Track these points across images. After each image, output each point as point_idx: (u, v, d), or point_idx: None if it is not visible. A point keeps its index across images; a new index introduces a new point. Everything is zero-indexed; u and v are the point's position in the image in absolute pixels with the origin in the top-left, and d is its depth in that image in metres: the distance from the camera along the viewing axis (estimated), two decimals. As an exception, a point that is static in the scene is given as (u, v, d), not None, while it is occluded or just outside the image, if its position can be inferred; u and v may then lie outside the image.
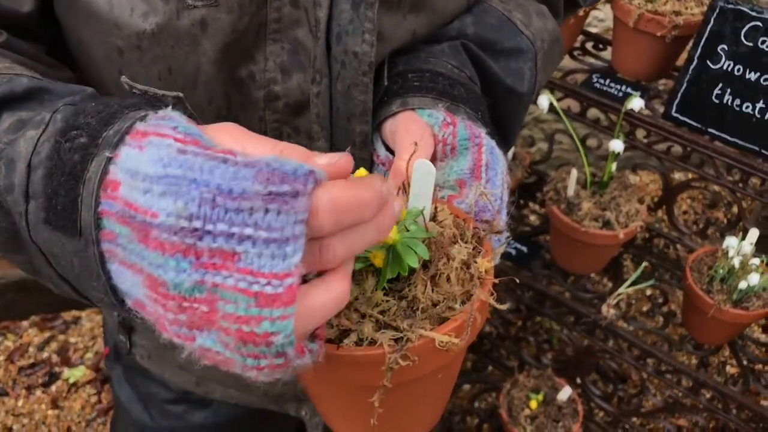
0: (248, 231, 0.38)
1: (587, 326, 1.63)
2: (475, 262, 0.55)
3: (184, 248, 0.38)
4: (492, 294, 0.55)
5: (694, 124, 1.52)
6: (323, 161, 0.43)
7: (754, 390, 1.61)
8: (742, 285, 1.39)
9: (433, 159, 0.67)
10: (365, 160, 0.72)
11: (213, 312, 0.39)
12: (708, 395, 1.55)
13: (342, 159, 0.44)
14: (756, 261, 1.41)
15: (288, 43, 0.67)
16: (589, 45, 1.74)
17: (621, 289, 1.66)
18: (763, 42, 1.41)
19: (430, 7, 0.73)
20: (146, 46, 0.63)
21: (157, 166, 0.40)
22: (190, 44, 0.64)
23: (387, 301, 0.54)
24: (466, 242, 0.57)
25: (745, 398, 1.49)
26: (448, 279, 0.55)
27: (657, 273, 1.70)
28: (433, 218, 0.60)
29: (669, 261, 1.68)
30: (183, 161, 0.40)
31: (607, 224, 1.54)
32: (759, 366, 1.58)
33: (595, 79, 1.65)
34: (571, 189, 1.58)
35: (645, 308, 1.92)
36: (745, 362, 1.59)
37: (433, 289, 0.54)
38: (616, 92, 1.63)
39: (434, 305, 0.54)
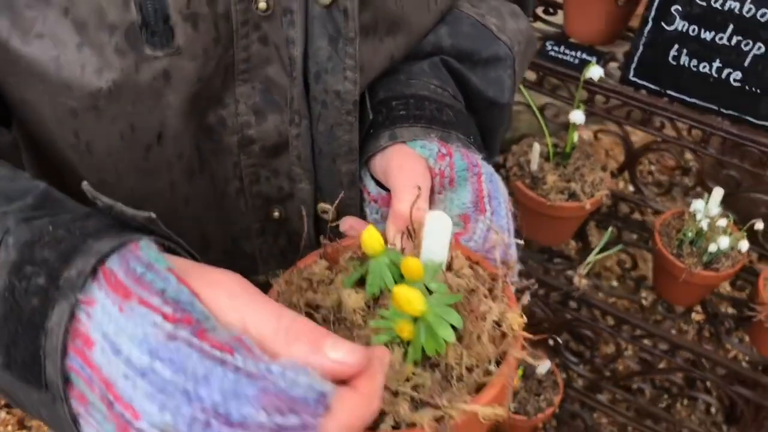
0: None
1: (560, 297, 1.63)
2: (505, 317, 0.51)
3: None
4: (524, 349, 0.52)
5: (653, 87, 1.50)
6: (337, 356, 0.38)
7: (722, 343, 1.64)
8: (712, 248, 1.40)
9: (431, 193, 0.63)
10: (353, 198, 0.67)
11: None
12: (683, 355, 1.58)
13: (357, 358, 0.39)
14: (723, 222, 1.42)
15: (259, 83, 0.61)
16: (539, 10, 1.70)
17: (590, 257, 1.65)
18: (716, 0, 1.40)
19: (407, 27, 0.67)
20: (103, 105, 0.56)
21: (143, 353, 0.35)
22: (153, 98, 0.57)
23: (418, 374, 0.49)
24: (492, 294, 0.53)
25: (718, 356, 1.52)
26: (479, 338, 0.51)
27: (624, 237, 1.70)
28: (449, 266, 0.56)
29: (635, 224, 1.69)
30: (174, 355, 0.35)
31: (572, 196, 1.53)
32: (728, 319, 1.62)
33: (549, 47, 1.62)
34: (535, 163, 1.55)
35: (615, 272, 1.93)
36: (711, 311, 1.62)
37: (465, 352, 0.50)
38: (571, 59, 1.60)
39: (469, 370, 0.50)
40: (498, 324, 0.51)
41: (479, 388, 0.50)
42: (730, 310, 1.66)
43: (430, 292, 0.52)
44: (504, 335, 0.52)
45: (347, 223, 0.64)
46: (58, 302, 0.39)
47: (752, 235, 1.47)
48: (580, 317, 1.61)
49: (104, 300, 0.38)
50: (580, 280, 1.63)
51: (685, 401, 1.83)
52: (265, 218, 0.70)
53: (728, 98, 1.43)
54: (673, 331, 1.73)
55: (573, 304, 1.62)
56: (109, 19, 0.53)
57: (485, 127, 0.74)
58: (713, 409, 1.85)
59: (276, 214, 0.69)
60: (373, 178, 0.66)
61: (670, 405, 1.82)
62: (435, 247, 0.54)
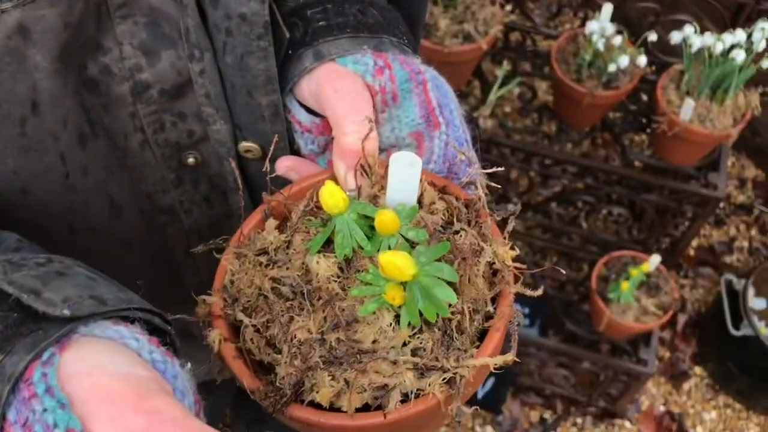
0: None
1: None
2: (497, 254, 0.47)
3: None
4: (518, 279, 0.48)
5: None
6: None
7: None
8: (612, 68, 1.40)
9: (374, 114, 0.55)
10: (280, 132, 0.58)
11: None
12: (592, 174, 1.62)
13: None
14: (618, 39, 1.40)
15: (142, 16, 0.51)
16: None
17: (491, 96, 1.63)
18: None
19: None
20: None
21: None
22: (14, 62, 0.47)
23: (416, 335, 0.45)
24: (472, 226, 0.48)
25: (623, 170, 1.57)
26: (470, 281, 0.46)
27: (520, 68, 1.67)
28: (418, 202, 0.50)
29: (529, 53, 1.65)
30: None
31: (467, 38, 1.47)
32: (626, 130, 1.65)
33: None
34: (423, 8, 1.46)
35: (516, 106, 1.93)
36: (609, 125, 1.65)
37: (462, 303, 0.45)
38: None
39: (469, 318, 0.46)
40: (490, 264, 0.47)
41: (482, 333, 0.46)
42: (621, 115, 1.69)
43: (408, 241, 0.46)
44: (495, 272, 0.47)
45: (284, 164, 0.56)
46: None
47: (643, 45, 1.47)
48: (490, 158, 1.61)
49: None
50: (485, 121, 1.61)
51: (597, 215, 1.92)
52: (178, 167, 0.60)
53: None
54: (569, 145, 1.75)
55: (482, 146, 1.61)
56: None
57: (407, 18, 0.65)
58: (615, 212, 1.95)
59: (191, 160, 0.60)
60: (302, 105, 0.57)
61: (582, 221, 1.90)
62: (403, 189, 0.47)
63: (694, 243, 1.99)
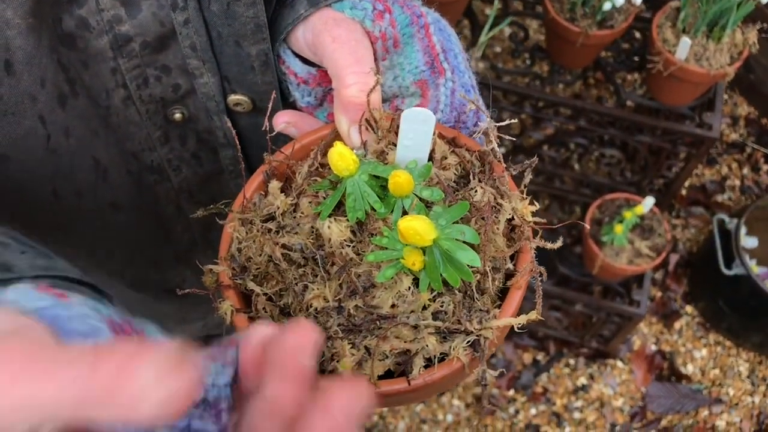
0: None
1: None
2: (516, 210, 0.45)
3: None
4: (538, 233, 0.46)
5: None
6: None
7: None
8: (607, 6, 1.36)
9: (374, 61, 0.52)
10: (270, 84, 0.55)
11: None
12: (585, 116, 1.59)
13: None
14: (613, -25, 1.36)
15: None
16: None
17: (482, 37, 1.58)
18: None
19: None
20: None
21: None
22: None
23: (436, 298, 0.43)
24: (487, 181, 0.46)
25: (617, 111, 1.54)
26: (489, 239, 0.44)
27: (511, 8, 1.62)
28: (429, 158, 0.47)
29: (519, -8, 1.61)
30: None
31: (457, -23, 1.42)
32: (619, 70, 1.62)
33: None
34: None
35: (508, 47, 1.88)
36: (603, 65, 1.62)
37: (485, 263, 0.43)
38: None
39: (491, 276, 0.44)
40: (509, 220, 0.45)
41: (502, 291, 0.45)
42: (614, 54, 1.66)
43: (421, 200, 0.44)
44: (513, 227, 0.45)
45: (282, 120, 0.53)
46: None
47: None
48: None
49: None
50: (477, 63, 1.57)
51: (590, 157, 1.90)
52: (164, 123, 0.58)
53: None
54: (561, 86, 1.71)
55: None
56: None
57: None
58: (608, 154, 1.93)
59: (177, 116, 0.57)
60: (296, 55, 0.54)
61: (575, 163, 1.89)
62: (415, 146, 0.45)
63: (686, 183, 1.98)
